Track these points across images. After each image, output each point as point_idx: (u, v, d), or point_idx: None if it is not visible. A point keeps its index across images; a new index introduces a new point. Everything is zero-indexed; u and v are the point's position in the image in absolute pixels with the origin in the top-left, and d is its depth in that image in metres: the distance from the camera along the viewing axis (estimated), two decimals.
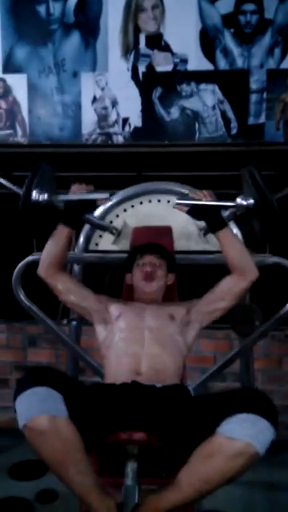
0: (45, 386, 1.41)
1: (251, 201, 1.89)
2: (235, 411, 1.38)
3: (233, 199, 1.96)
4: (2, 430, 2.65)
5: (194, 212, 1.86)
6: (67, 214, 1.85)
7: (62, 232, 1.85)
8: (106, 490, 1.44)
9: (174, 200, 1.94)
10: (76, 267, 2.37)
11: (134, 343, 1.78)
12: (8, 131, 2.86)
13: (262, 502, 2.15)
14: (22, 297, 2.21)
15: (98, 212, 2.36)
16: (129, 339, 1.79)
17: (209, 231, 1.96)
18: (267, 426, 1.36)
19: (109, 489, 1.45)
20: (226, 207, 1.96)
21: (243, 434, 1.35)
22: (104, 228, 2.32)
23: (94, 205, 1.90)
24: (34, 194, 1.90)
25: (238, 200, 1.91)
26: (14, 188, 2.26)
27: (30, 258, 2.17)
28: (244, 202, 1.91)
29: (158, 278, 1.96)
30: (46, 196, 1.91)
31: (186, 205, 1.88)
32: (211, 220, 1.84)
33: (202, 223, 2.14)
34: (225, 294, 1.84)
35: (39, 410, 1.38)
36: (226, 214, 2.15)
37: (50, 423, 1.38)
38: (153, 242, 2.09)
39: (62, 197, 1.90)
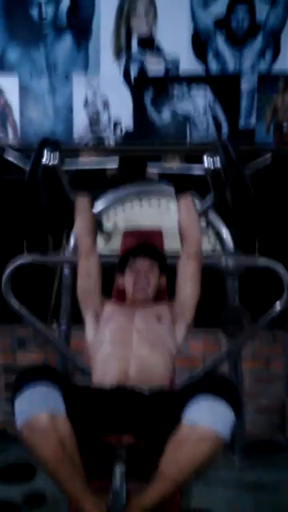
0: (45, 384, 1.41)
1: (217, 159, 1.89)
2: (195, 396, 1.39)
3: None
4: None
5: (166, 177, 1.98)
6: (79, 183, 1.93)
7: (81, 203, 1.93)
8: (95, 493, 1.43)
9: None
10: (66, 270, 2.37)
11: (122, 345, 1.77)
12: (0, 134, 2.85)
13: (249, 501, 2.16)
14: (12, 299, 2.20)
15: None
16: (117, 341, 1.79)
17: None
18: (226, 408, 1.37)
19: (97, 491, 1.45)
20: (195, 171, 1.97)
21: (203, 418, 1.36)
22: (97, 221, 2.32)
23: (103, 173, 1.95)
24: (45, 157, 1.89)
25: (205, 158, 1.91)
26: (20, 164, 2.23)
27: (19, 261, 2.16)
28: (210, 161, 1.90)
29: (150, 284, 1.96)
30: (56, 160, 1.90)
31: (158, 171, 1.98)
32: (179, 184, 1.91)
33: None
34: (185, 277, 1.87)
35: (40, 408, 1.39)
36: (204, 203, 2.16)
37: (49, 421, 1.38)
38: (146, 243, 2.09)
39: (72, 164, 1.93)
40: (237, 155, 1.86)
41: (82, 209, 1.93)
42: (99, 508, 1.39)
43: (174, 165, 1.93)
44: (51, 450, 1.38)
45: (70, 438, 1.41)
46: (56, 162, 1.91)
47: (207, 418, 1.35)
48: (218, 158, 1.90)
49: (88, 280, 1.91)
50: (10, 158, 2.14)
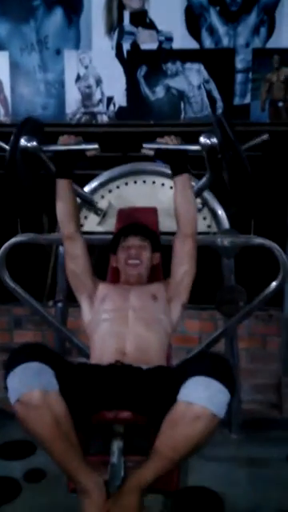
0: (37, 361, 1.42)
1: (214, 139, 1.89)
2: (191, 375, 1.41)
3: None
4: None
5: (160, 155, 1.92)
6: (59, 164, 1.86)
7: (61, 186, 1.88)
8: (93, 468, 1.45)
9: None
10: (61, 249, 2.36)
11: (118, 323, 1.79)
12: None
13: (246, 477, 2.20)
14: (7, 278, 2.20)
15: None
16: (113, 320, 1.80)
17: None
18: (220, 387, 1.38)
19: (95, 467, 1.47)
20: (191, 149, 1.96)
21: (198, 397, 1.37)
22: (89, 200, 2.31)
23: (83, 155, 1.91)
24: (23, 141, 1.88)
25: (202, 139, 1.91)
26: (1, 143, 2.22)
27: (14, 240, 2.15)
28: (207, 141, 1.90)
29: (143, 261, 1.96)
30: (34, 143, 1.89)
31: (153, 148, 1.93)
32: (174, 163, 1.89)
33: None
34: (181, 256, 1.88)
35: (32, 385, 1.39)
36: (200, 182, 2.15)
37: (42, 397, 1.39)
38: (138, 222, 2.09)
39: (51, 147, 1.90)
40: (233, 133, 1.85)
41: (62, 191, 1.88)
42: (96, 483, 1.41)
43: (169, 144, 1.90)
44: (46, 426, 1.39)
45: (64, 414, 1.42)
46: (34, 144, 1.89)
47: (202, 396, 1.36)
48: (213, 137, 1.89)
49: (76, 263, 1.90)
50: None
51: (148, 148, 1.93)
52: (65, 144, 1.89)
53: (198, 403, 1.36)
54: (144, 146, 1.94)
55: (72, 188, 1.92)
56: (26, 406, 1.39)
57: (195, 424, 1.36)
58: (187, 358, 1.77)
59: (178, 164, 1.89)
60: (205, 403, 1.36)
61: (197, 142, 1.93)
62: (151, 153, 1.93)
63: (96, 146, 1.90)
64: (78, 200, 2.20)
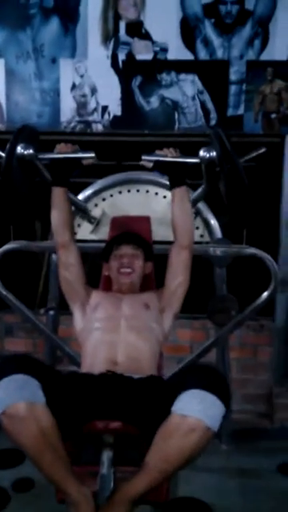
0: (22, 373, 1.41)
1: (213, 153, 1.90)
2: (186, 388, 1.40)
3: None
4: None
5: (159, 167, 1.93)
6: (55, 172, 1.87)
7: (56, 194, 1.87)
8: (82, 479, 1.44)
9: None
10: (54, 256, 2.36)
11: (110, 332, 1.78)
12: None
13: (236, 488, 2.19)
14: None
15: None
16: (105, 328, 1.80)
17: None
18: (215, 401, 1.38)
19: (85, 477, 1.46)
20: (190, 162, 1.97)
21: (193, 410, 1.37)
22: (83, 208, 2.31)
23: (79, 163, 1.91)
24: (19, 149, 1.88)
25: (201, 153, 1.92)
26: None
27: (6, 247, 2.15)
28: (207, 155, 1.92)
29: (135, 270, 1.96)
30: (30, 150, 1.89)
31: (152, 160, 1.93)
32: (173, 175, 1.91)
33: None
34: (176, 267, 1.89)
35: (17, 397, 1.38)
36: (196, 193, 2.16)
37: (28, 410, 1.37)
38: (131, 231, 2.09)
39: (48, 154, 1.90)
40: (232, 147, 1.87)
41: (58, 199, 1.87)
42: (84, 495, 1.40)
43: (168, 154, 1.91)
44: (32, 438, 1.38)
45: (50, 425, 1.40)
46: (31, 152, 1.89)
47: (197, 409, 1.36)
48: (213, 151, 1.90)
49: (70, 271, 1.90)
50: None
51: (147, 160, 1.93)
52: (61, 152, 1.89)
53: (193, 416, 1.36)
54: (143, 157, 1.94)
55: (67, 196, 1.92)
56: (12, 418, 1.38)
57: (189, 436, 1.36)
58: (181, 370, 1.77)
59: (176, 176, 1.90)
60: (200, 416, 1.36)
61: (195, 155, 1.94)
62: (150, 165, 1.93)
63: (92, 155, 1.90)
64: (72, 208, 2.21)
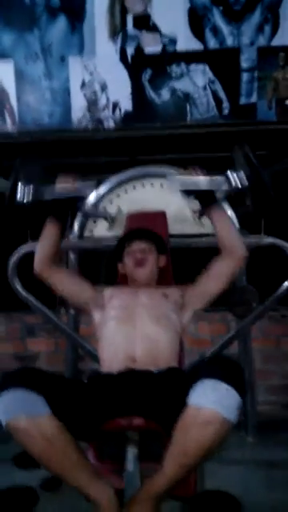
0: (23, 388, 1.42)
1: (242, 175, 1.87)
2: (200, 378, 1.38)
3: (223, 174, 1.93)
4: None
5: (186, 190, 1.85)
6: (54, 210, 1.84)
7: (52, 227, 1.85)
8: (107, 477, 1.44)
9: (167, 183, 1.92)
10: (71, 255, 2.36)
11: (127, 321, 1.77)
12: None
13: (263, 480, 2.17)
14: (19, 287, 2.20)
15: (91, 198, 2.34)
16: (121, 318, 1.79)
17: (203, 214, 1.95)
18: (230, 390, 1.36)
19: (109, 475, 1.46)
20: (218, 184, 1.92)
21: (208, 401, 1.35)
22: (97, 216, 2.30)
23: (80, 199, 1.88)
24: (19, 196, 1.88)
25: (229, 175, 1.88)
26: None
27: (24, 249, 2.16)
28: (235, 177, 1.88)
29: (149, 263, 1.95)
30: (30, 196, 1.89)
31: (178, 182, 1.86)
32: (203, 197, 1.84)
33: (197, 206, 2.12)
34: (215, 276, 1.84)
35: (18, 411, 1.39)
36: (218, 193, 2.13)
37: (29, 423, 1.39)
38: (147, 226, 2.08)
39: (48, 192, 1.87)
40: (261, 166, 1.83)
41: (51, 233, 1.85)
42: (106, 494, 1.40)
43: (194, 177, 1.84)
44: (37, 448, 1.40)
45: (57, 435, 1.41)
46: (30, 198, 1.87)
47: (211, 399, 1.34)
48: (242, 174, 1.84)
49: (65, 288, 1.90)
50: None
51: (172, 181, 1.88)
52: (63, 185, 1.84)
53: (208, 407, 1.34)
54: (168, 181, 1.89)
55: (62, 232, 1.88)
56: (15, 430, 1.40)
57: (206, 429, 1.34)
58: (198, 361, 1.75)
59: (206, 197, 1.83)
60: (215, 407, 1.34)
61: (221, 173, 1.86)
62: (176, 187, 1.85)
63: (93, 188, 1.89)
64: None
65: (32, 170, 1.97)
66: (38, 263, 1.87)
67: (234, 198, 2.09)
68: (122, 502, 1.40)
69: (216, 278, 1.84)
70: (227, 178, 1.84)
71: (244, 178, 1.83)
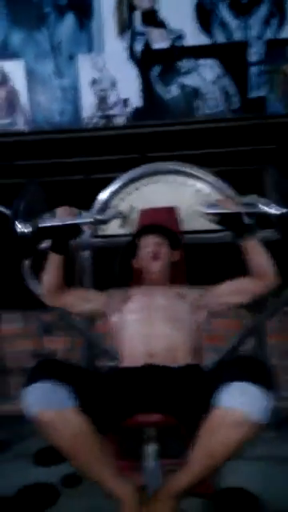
0: (51, 380, 1.43)
1: (283, 210, 1.82)
2: (229, 380, 1.38)
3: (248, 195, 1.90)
4: (24, 417, 2.69)
5: (223, 221, 1.82)
6: (54, 242, 1.85)
7: (53, 260, 1.87)
8: (127, 474, 1.46)
9: (201, 213, 1.89)
10: (85, 253, 2.38)
11: (144, 323, 1.79)
12: (8, 120, 2.84)
13: (282, 476, 2.16)
14: (34, 285, 2.22)
15: (103, 196, 2.35)
16: (138, 320, 1.80)
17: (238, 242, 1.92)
18: (261, 392, 1.36)
19: (129, 472, 1.47)
20: (254, 214, 1.87)
21: (237, 403, 1.34)
22: (107, 222, 2.30)
23: (79, 230, 1.89)
24: (19, 229, 1.89)
25: (267, 208, 1.83)
26: (4, 210, 2.27)
27: (40, 246, 2.17)
28: (275, 212, 1.83)
29: (162, 256, 1.96)
30: (30, 228, 1.90)
31: (215, 214, 1.84)
32: (239, 228, 1.80)
33: (211, 200, 2.13)
34: (239, 290, 1.83)
35: (45, 404, 1.40)
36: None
37: (56, 416, 1.40)
38: (159, 223, 2.09)
39: (47, 223, 1.88)
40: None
41: (53, 266, 1.86)
42: (128, 490, 1.41)
43: (228, 208, 1.82)
44: (63, 442, 1.42)
45: (83, 429, 1.42)
46: (30, 230, 1.88)
47: (243, 402, 1.34)
48: (274, 204, 1.82)
49: (78, 308, 1.93)
50: None
51: (210, 213, 1.85)
52: (62, 217, 1.85)
53: (239, 409, 1.34)
54: (207, 210, 1.85)
55: (63, 264, 1.89)
56: (42, 424, 1.41)
57: (235, 431, 1.34)
58: (222, 361, 1.75)
59: (242, 228, 1.80)
60: (246, 409, 1.34)
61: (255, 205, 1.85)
62: (215, 218, 1.84)
63: (91, 219, 1.89)
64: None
65: (32, 198, 1.99)
66: (47, 296, 1.91)
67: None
68: (143, 498, 1.41)
69: (241, 292, 1.83)
70: (262, 210, 1.82)
71: (278, 208, 1.80)
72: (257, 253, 1.79)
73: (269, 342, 2.48)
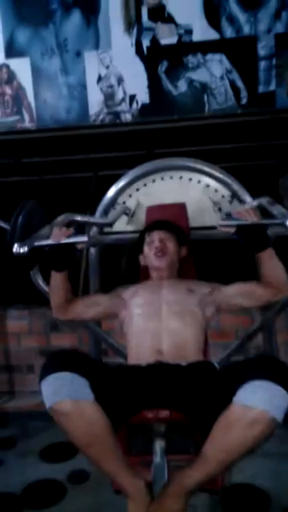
0: (69, 371, 1.42)
1: None
2: (249, 379, 1.36)
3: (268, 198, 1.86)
4: (31, 414, 2.69)
5: (240, 233, 1.76)
6: (52, 261, 1.86)
7: (56, 278, 1.86)
8: (136, 469, 1.44)
9: (221, 223, 1.85)
10: (92, 250, 2.37)
11: (152, 318, 1.77)
12: (15, 117, 2.84)
13: None
14: (41, 282, 2.21)
15: (110, 193, 2.34)
16: (146, 315, 1.79)
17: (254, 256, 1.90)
18: (281, 391, 1.33)
19: (138, 468, 1.46)
20: (272, 225, 1.82)
21: (257, 401, 1.32)
22: (110, 225, 2.29)
23: (74, 249, 1.89)
24: (15, 249, 1.90)
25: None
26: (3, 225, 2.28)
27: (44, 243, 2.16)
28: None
29: (168, 252, 1.94)
30: (26, 248, 1.91)
31: (231, 225, 1.78)
32: (257, 241, 1.75)
33: (217, 197, 2.11)
34: (249, 295, 1.80)
35: (63, 395, 1.39)
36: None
37: (74, 407, 1.38)
38: (167, 219, 2.07)
39: (43, 243, 1.89)
40: None
41: (56, 283, 1.86)
42: (138, 487, 1.39)
43: (248, 218, 1.76)
44: (78, 433, 1.40)
45: (99, 420, 1.40)
46: (26, 250, 1.89)
47: (262, 400, 1.32)
48: None
49: (87, 315, 1.92)
50: None
51: (226, 225, 1.78)
52: (56, 239, 1.83)
53: (257, 407, 1.32)
54: (222, 223, 1.79)
55: (66, 279, 1.88)
56: (58, 414, 1.40)
57: (253, 428, 1.32)
58: (241, 360, 1.72)
59: (260, 240, 1.75)
60: (264, 407, 1.32)
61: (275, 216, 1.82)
62: (232, 230, 1.76)
63: (85, 239, 1.89)
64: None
65: (30, 216, 2.00)
66: (58, 313, 1.91)
67: None
68: (151, 494, 1.40)
69: (249, 297, 1.80)
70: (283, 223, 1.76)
71: None
72: (272, 264, 1.76)
73: (278, 339, 2.46)
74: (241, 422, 1.33)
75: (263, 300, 1.79)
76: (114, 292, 1.95)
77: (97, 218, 2.27)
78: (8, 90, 2.83)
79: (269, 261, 1.75)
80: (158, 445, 1.51)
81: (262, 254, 1.74)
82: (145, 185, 2.37)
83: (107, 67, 2.73)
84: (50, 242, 1.86)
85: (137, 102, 2.73)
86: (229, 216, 1.82)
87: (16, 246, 1.90)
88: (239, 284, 1.83)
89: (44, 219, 2.07)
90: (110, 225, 2.25)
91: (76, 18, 2.71)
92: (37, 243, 1.88)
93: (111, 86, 2.74)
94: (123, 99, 2.74)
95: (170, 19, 2.63)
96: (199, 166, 2.27)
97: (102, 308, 1.92)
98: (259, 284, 1.78)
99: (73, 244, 1.85)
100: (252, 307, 1.81)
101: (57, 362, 1.46)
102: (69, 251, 1.84)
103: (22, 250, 1.90)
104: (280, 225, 1.80)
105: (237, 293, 1.83)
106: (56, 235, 1.83)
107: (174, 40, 2.65)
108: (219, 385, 1.45)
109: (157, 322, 1.75)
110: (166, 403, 1.51)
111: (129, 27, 2.68)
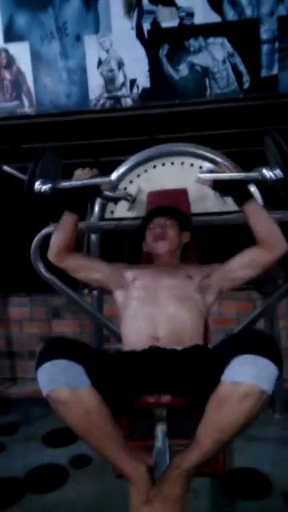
0: (65, 359, 1.42)
1: (278, 172, 1.79)
2: (235, 354, 1.36)
3: (253, 168, 1.87)
4: (33, 400, 2.70)
5: (219, 186, 1.81)
6: (71, 201, 1.83)
7: (68, 219, 1.84)
8: (137, 454, 1.45)
9: (198, 180, 1.87)
10: (93, 236, 2.36)
11: (149, 303, 1.76)
12: (15, 102, 2.82)
13: None
14: (42, 269, 2.21)
15: (111, 178, 2.32)
16: (144, 298, 1.78)
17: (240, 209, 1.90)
18: (267, 363, 1.34)
19: (140, 452, 1.47)
20: (252, 179, 1.86)
21: (245, 375, 1.33)
22: (116, 199, 2.29)
23: (98, 190, 1.86)
24: (37, 186, 1.86)
25: (265, 171, 1.81)
26: (19, 175, 2.24)
27: (46, 230, 2.16)
28: (271, 174, 1.80)
29: (170, 238, 1.93)
30: (48, 186, 1.87)
31: (210, 179, 1.81)
32: (237, 193, 1.78)
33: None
34: (249, 263, 1.79)
35: (59, 382, 1.40)
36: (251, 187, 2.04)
37: (70, 394, 1.39)
38: (168, 205, 2.06)
39: (66, 184, 1.86)
40: None
41: (67, 224, 1.84)
42: (139, 471, 1.40)
43: (227, 174, 1.79)
44: (76, 420, 1.40)
45: (96, 407, 1.40)
46: (48, 188, 1.85)
47: (249, 374, 1.32)
48: (276, 167, 1.78)
49: (82, 272, 1.90)
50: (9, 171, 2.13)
51: (205, 178, 1.82)
52: (80, 179, 1.82)
53: (246, 381, 1.32)
54: (200, 175, 1.82)
55: (77, 223, 1.86)
56: (55, 401, 1.40)
57: (243, 402, 1.32)
58: (227, 337, 1.74)
59: (240, 193, 1.78)
60: (252, 380, 1.32)
61: (253, 170, 1.82)
62: (208, 182, 1.82)
63: (111, 179, 1.85)
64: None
65: (50, 160, 1.96)
66: (54, 254, 1.88)
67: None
68: (153, 478, 1.41)
69: (249, 265, 1.79)
70: (261, 173, 1.78)
71: (278, 170, 1.77)
72: (260, 218, 1.76)
73: (279, 324, 2.47)
74: (231, 398, 1.33)
75: (264, 263, 1.77)
76: (115, 266, 1.93)
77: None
78: (7, 75, 2.80)
79: (257, 216, 1.76)
80: (160, 429, 1.52)
81: (247, 208, 1.75)
82: (146, 171, 2.36)
83: (107, 51, 2.70)
84: (73, 182, 1.83)
85: (137, 87, 2.70)
86: (211, 172, 1.83)
87: (38, 183, 1.86)
88: (237, 257, 1.82)
89: (61, 166, 2.03)
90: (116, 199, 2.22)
91: (75, 1, 2.68)
92: (60, 183, 1.84)
93: (111, 71, 2.71)
94: (124, 84, 2.72)
95: (170, 2, 2.59)
96: (201, 151, 2.25)
97: (99, 275, 1.90)
98: (255, 248, 1.78)
99: (97, 186, 1.83)
100: (256, 275, 1.79)
101: (52, 349, 1.46)
102: (92, 192, 1.82)
103: (43, 188, 1.86)
104: (261, 182, 1.83)
105: (236, 266, 1.82)
106: (80, 175, 1.82)
107: (175, 23, 2.62)
108: (211, 365, 1.45)
109: (154, 307, 1.75)
110: (166, 388, 1.51)
111: (129, 10, 2.64)
